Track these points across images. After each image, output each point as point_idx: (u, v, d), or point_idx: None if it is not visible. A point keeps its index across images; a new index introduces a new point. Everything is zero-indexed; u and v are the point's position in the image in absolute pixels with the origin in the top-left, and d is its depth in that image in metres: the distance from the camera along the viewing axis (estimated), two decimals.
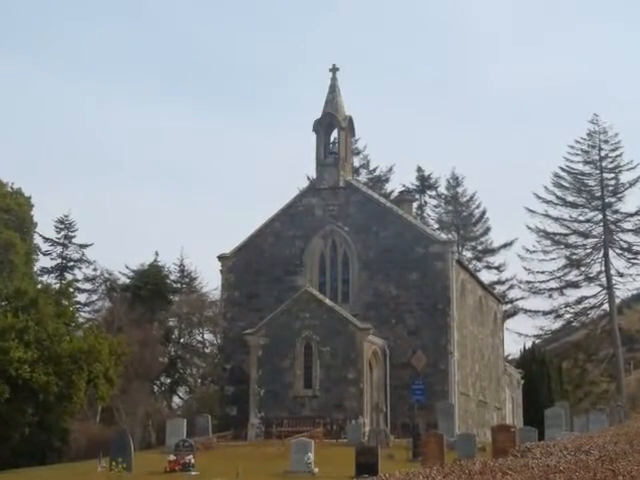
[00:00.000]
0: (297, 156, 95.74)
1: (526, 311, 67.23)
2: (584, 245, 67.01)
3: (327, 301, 38.88)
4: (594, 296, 66.04)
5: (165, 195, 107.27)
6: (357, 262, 41.10)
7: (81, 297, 59.41)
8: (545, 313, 66.38)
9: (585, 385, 63.91)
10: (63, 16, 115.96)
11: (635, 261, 65.78)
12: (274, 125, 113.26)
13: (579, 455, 13.33)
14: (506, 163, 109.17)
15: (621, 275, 65.57)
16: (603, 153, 66.76)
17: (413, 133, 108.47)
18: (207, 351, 59.82)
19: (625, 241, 66.71)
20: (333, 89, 43.27)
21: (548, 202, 67.14)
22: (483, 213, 70.06)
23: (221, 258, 42.67)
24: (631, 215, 66.37)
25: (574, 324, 67.91)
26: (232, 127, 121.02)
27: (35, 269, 54.80)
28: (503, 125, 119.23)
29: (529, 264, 66.79)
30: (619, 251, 66.30)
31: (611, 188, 66.91)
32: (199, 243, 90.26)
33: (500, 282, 68.16)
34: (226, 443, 35.36)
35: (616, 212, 66.84)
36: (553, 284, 66.58)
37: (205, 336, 60.22)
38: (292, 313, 38.26)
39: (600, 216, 66.28)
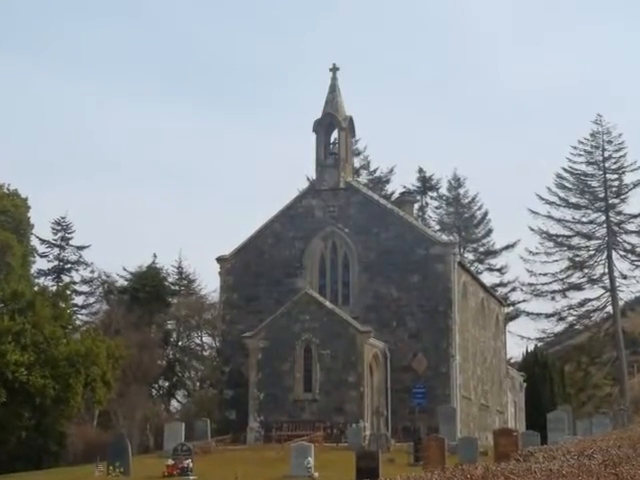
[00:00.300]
0: (297, 156, 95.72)
1: (528, 314, 66.93)
2: (587, 247, 66.66)
3: (327, 303, 38.56)
4: (597, 298, 65.70)
5: (164, 196, 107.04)
6: (357, 264, 40.74)
7: (78, 299, 59.15)
8: (548, 316, 66.03)
9: (588, 388, 63.54)
10: (63, 16, 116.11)
11: (639, 263, 65.45)
12: (274, 125, 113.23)
13: (582, 459, 13.01)
14: (508, 164, 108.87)
15: (625, 277, 65.28)
16: (606, 154, 66.39)
17: (414, 133, 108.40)
18: (206, 354, 59.54)
19: (629, 243, 66.43)
20: (333, 89, 42.95)
21: (551, 203, 66.84)
22: (485, 214, 69.81)
23: (220, 260, 42.32)
24: (635, 216, 65.99)
25: (577, 327, 67.52)
26: (232, 127, 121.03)
27: (32, 271, 54.64)
28: (504, 125, 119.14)
29: (531, 266, 66.45)
30: (623, 253, 65.95)
31: (614, 189, 66.56)
32: (198, 245, 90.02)
33: (502, 284, 67.90)
34: (225, 447, 35.10)
35: (619, 213, 66.48)
36: (556, 286, 66.30)
37: (204, 339, 60.00)
38: (292, 316, 37.92)
39: (603, 217, 65.91)
